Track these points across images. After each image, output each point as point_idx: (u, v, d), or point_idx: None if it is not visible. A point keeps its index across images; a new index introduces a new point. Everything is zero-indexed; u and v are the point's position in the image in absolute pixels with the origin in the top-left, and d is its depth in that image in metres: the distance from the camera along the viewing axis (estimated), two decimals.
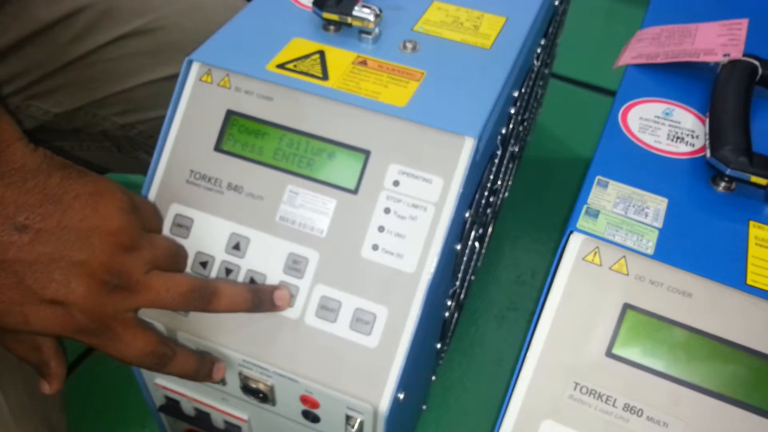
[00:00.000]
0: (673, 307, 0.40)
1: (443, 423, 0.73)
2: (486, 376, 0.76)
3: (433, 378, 0.71)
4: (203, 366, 0.47)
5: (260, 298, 0.45)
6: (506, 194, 0.89)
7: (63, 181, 0.39)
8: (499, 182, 0.69)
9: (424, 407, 0.71)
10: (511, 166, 0.79)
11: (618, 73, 0.59)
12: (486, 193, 0.60)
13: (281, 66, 0.50)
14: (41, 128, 0.66)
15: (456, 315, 0.70)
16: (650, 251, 0.41)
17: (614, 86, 0.56)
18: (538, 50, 0.67)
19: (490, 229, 0.78)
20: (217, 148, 0.49)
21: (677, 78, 0.55)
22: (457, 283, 0.60)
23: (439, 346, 0.64)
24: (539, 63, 0.70)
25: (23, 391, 0.49)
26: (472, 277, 0.77)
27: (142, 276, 0.41)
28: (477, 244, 0.64)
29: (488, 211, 0.67)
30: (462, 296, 0.70)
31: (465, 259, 0.59)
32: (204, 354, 0.47)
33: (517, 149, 0.78)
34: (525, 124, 0.79)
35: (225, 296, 0.44)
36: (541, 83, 0.85)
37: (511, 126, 0.61)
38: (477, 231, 0.61)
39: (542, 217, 0.94)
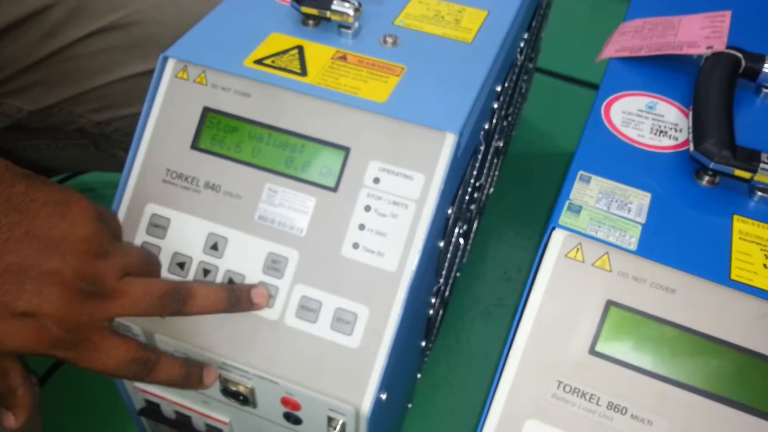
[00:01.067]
0: (657, 303, 0.40)
1: (429, 421, 0.72)
2: (472, 373, 0.76)
3: (419, 376, 0.71)
4: (192, 371, 0.45)
5: (237, 296, 0.44)
6: (491, 189, 0.88)
7: (28, 189, 0.38)
8: (483, 178, 0.69)
9: (410, 405, 0.71)
10: (495, 161, 0.79)
11: (603, 66, 0.58)
12: (469, 189, 0.59)
13: (259, 62, 0.49)
14: (16, 126, 0.65)
15: (441, 312, 0.69)
16: (633, 247, 0.41)
17: (599, 80, 0.55)
18: (522, 44, 0.66)
19: (475, 225, 0.78)
20: (194, 146, 0.48)
21: (660, 71, 0.54)
22: (441, 280, 0.60)
23: (423, 343, 0.63)
24: (523, 57, 0.70)
25: None
26: (458, 274, 0.77)
27: (116, 282, 0.40)
28: (461, 240, 0.64)
29: (472, 207, 0.67)
30: (447, 293, 0.69)
31: (449, 256, 0.59)
32: (190, 360, 0.46)
33: (501, 144, 0.78)
34: (509, 118, 0.78)
35: (200, 296, 0.43)
36: (525, 77, 0.84)
37: (494, 121, 0.61)
38: (461, 227, 0.60)
39: (528, 212, 0.93)
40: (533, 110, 1.05)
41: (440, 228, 0.50)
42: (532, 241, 0.90)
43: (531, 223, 0.92)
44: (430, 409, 0.73)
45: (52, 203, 0.38)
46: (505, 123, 0.74)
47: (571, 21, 1.24)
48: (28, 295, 0.36)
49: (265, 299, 0.45)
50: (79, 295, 0.38)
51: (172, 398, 0.52)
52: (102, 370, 0.41)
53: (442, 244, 0.52)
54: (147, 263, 0.45)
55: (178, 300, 0.42)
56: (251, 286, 0.45)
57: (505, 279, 0.86)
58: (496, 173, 0.88)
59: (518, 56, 0.66)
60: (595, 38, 0.74)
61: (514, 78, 0.69)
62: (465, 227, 0.65)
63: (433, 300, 0.59)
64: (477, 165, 0.59)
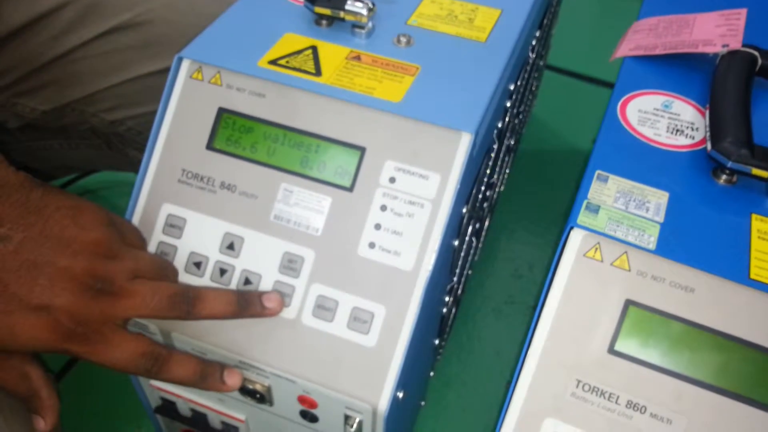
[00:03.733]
0: (676, 302, 0.40)
1: (442, 419, 0.72)
2: (484, 371, 0.76)
3: (432, 374, 0.71)
4: (209, 370, 0.44)
5: (247, 301, 0.44)
6: (502, 187, 0.88)
7: (44, 195, 0.40)
8: (496, 176, 0.69)
9: (423, 403, 0.71)
10: (507, 159, 0.79)
11: (613, 63, 0.58)
12: (483, 188, 0.59)
13: (273, 62, 0.49)
14: (30, 126, 0.65)
15: (454, 310, 0.69)
16: (652, 246, 0.41)
17: (609, 77, 0.55)
18: (534, 42, 0.66)
19: (486, 223, 0.78)
20: (209, 146, 0.48)
21: (676, 69, 0.54)
22: (455, 278, 0.60)
23: (437, 342, 0.63)
24: (534, 55, 0.70)
25: (23, 415, 0.47)
26: (470, 272, 0.77)
27: (125, 282, 0.41)
28: (474, 238, 0.64)
29: (485, 205, 0.67)
30: (459, 291, 0.69)
31: (462, 254, 0.59)
32: (208, 360, 0.45)
33: (512, 142, 0.78)
34: (521, 116, 0.78)
35: (208, 300, 0.43)
36: (536, 75, 0.84)
37: (507, 119, 0.60)
38: (474, 226, 0.60)
39: (539, 210, 0.93)
40: (543, 107, 1.05)
41: (455, 227, 0.50)
42: (543, 239, 0.90)
43: (541, 221, 0.92)
44: (443, 407, 0.73)
45: (65, 208, 0.40)
46: (516, 121, 0.74)
47: (581, 17, 1.24)
48: (41, 288, 0.38)
49: (279, 304, 0.45)
50: (89, 291, 0.39)
51: (188, 396, 0.52)
52: (114, 364, 0.41)
53: (456, 242, 0.52)
54: (160, 269, 0.45)
55: (187, 302, 0.42)
56: (263, 292, 0.45)
57: (516, 276, 0.86)
58: (507, 171, 0.88)
59: (530, 54, 0.66)
60: (605, 35, 0.73)
61: (526, 76, 0.68)
62: (477, 225, 0.65)
63: (446, 298, 0.59)
64: (490, 163, 0.59)
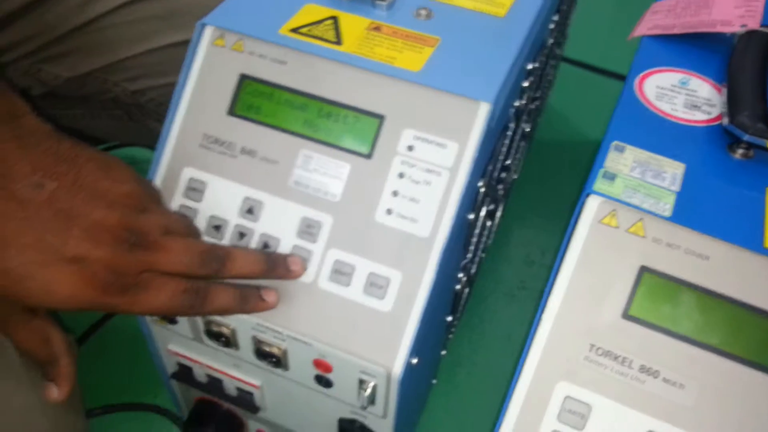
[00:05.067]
0: (690, 269, 0.40)
1: (453, 397, 0.72)
2: (495, 353, 0.76)
3: (444, 352, 0.71)
4: (247, 292, 0.44)
5: (274, 262, 0.45)
6: (516, 175, 0.89)
7: (74, 146, 0.40)
8: (511, 159, 0.69)
9: (435, 381, 0.71)
10: (522, 144, 0.79)
11: (629, 56, 0.58)
12: (498, 166, 0.59)
13: (295, 30, 0.50)
14: (51, 94, 0.66)
15: (467, 290, 0.69)
16: (668, 214, 0.41)
17: (625, 71, 0.55)
18: (551, 26, 0.67)
19: (501, 207, 0.78)
20: (231, 112, 0.49)
21: (693, 49, 0.54)
22: (469, 255, 0.60)
23: (450, 319, 0.64)
24: (552, 40, 0.70)
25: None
26: (483, 255, 0.77)
27: (159, 237, 0.40)
28: (488, 220, 0.64)
29: (500, 187, 0.67)
30: (473, 271, 0.69)
31: (477, 231, 0.59)
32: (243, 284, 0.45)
33: (528, 129, 0.78)
34: (537, 102, 0.78)
35: (238, 259, 0.43)
36: (552, 63, 0.84)
37: (524, 100, 0.61)
38: (488, 205, 0.61)
39: (552, 198, 0.94)
40: (559, 99, 1.05)
41: (471, 199, 0.50)
42: (555, 226, 0.90)
43: (555, 209, 0.92)
44: (454, 386, 0.73)
45: (96, 160, 0.40)
46: (532, 106, 0.74)
47: (598, 10, 1.24)
48: (76, 240, 0.37)
49: (302, 268, 0.45)
50: (124, 243, 0.39)
51: (205, 361, 0.53)
52: (159, 308, 0.41)
53: (471, 216, 0.53)
54: (188, 226, 0.46)
55: (217, 260, 0.42)
56: (288, 255, 0.46)
57: (529, 263, 0.86)
58: (522, 159, 0.88)
59: (548, 38, 0.66)
60: (621, 28, 0.73)
61: (544, 60, 0.69)
62: (492, 206, 0.65)
63: (460, 275, 0.59)
64: (507, 142, 0.59)
